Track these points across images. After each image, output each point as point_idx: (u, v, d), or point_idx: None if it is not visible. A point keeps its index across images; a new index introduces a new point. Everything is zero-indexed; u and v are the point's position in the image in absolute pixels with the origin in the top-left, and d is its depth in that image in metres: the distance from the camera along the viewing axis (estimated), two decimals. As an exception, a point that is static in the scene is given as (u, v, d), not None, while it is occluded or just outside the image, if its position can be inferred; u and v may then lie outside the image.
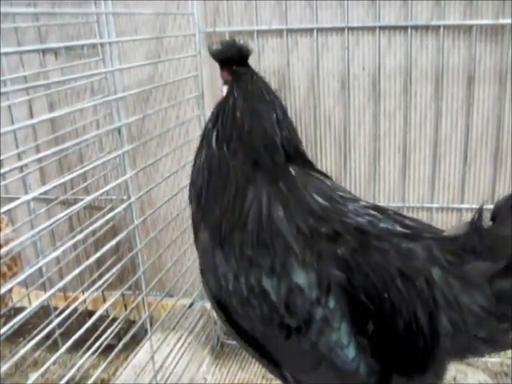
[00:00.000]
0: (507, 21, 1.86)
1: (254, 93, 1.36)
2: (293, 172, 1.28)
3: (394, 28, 1.99)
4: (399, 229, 1.23)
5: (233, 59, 1.40)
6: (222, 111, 1.35)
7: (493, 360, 2.16)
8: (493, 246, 1.13)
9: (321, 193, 1.27)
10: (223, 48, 1.42)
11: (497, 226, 1.14)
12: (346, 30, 1.99)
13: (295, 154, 1.33)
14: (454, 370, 2.09)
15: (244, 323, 1.23)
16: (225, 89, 1.42)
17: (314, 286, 1.15)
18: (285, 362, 1.25)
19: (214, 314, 2.33)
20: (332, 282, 1.16)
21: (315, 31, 2.03)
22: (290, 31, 2.07)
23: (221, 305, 1.26)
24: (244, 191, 1.25)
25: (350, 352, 1.16)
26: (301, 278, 1.15)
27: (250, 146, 1.28)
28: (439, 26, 1.92)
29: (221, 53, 1.43)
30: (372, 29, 2.00)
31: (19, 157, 1.86)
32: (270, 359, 1.26)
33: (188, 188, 1.42)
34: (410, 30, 1.95)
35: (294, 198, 1.23)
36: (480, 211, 1.16)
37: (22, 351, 1.26)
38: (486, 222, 1.16)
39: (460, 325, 1.16)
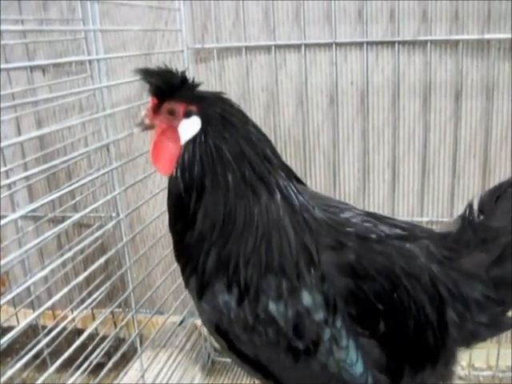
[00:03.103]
0: (492, 36, 1.88)
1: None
2: (291, 186, 1.25)
3: (382, 43, 2.00)
4: (395, 231, 1.28)
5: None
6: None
7: (485, 374, 2.16)
8: (486, 238, 1.22)
9: (318, 204, 1.27)
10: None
11: (487, 218, 1.24)
12: (334, 45, 2.00)
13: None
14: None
15: (247, 349, 1.20)
16: (185, 128, 1.21)
17: (321, 306, 1.15)
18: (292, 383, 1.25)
19: (205, 331, 2.32)
20: (338, 298, 1.16)
21: (303, 47, 2.03)
22: (278, 47, 2.08)
23: (220, 332, 1.22)
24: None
25: (358, 368, 1.17)
26: (308, 300, 1.14)
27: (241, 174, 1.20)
28: (426, 42, 1.94)
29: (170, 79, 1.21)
30: (360, 44, 2.01)
31: (7, 174, 1.85)
32: (275, 381, 1.25)
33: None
34: (397, 46, 1.96)
35: (294, 213, 1.21)
36: (470, 207, 1.25)
37: (10, 372, 1.24)
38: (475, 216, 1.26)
39: (465, 314, 1.22)
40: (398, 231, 1.28)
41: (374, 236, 1.24)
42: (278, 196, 1.20)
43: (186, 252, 1.24)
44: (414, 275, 1.21)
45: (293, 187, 1.23)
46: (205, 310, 1.22)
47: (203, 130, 1.19)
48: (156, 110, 1.23)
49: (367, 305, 1.18)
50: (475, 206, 1.27)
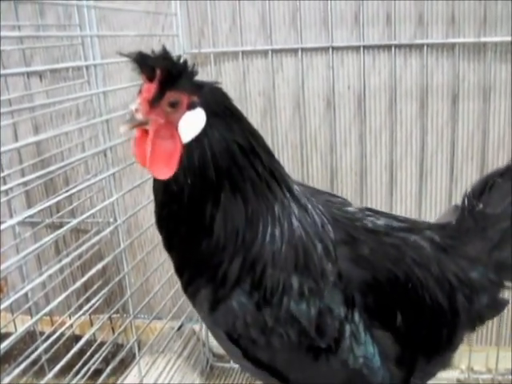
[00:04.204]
0: (489, 39, 1.88)
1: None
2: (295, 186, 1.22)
3: (378, 47, 2.00)
4: (398, 224, 1.30)
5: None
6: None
7: (484, 376, 2.16)
8: (486, 225, 1.28)
9: (322, 200, 1.26)
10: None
11: (485, 207, 1.29)
12: (331, 49, 2.00)
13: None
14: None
15: (263, 354, 1.16)
16: (187, 121, 1.06)
17: (341, 302, 1.14)
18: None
19: (203, 336, 2.31)
20: (355, 292, 1.16)
21: (300, 51, 2.04)
22: (274, 51, 2.08)
23: (232, 340, 1.17)
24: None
25: (376, 362, 1.18)
26: (329, 297, 1.13)
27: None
28: (423, 45, 1.94)
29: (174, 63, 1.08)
30: (356, 48, 2.01)
31: (4, 180, 1.84)
32: None
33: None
34: (393, 49, 1.96)
35: (304, 208, 1.19)
36: (469, 197, 1.31)
37: (8, 378, 1.24)
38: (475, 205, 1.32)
39: (473, 298, 1.26)
40: (401, 224, 1.30)
41: (381, 229, 1.26)
42: (287, 191, 1.17)
43: (197, 262, 1.13)
44: (424, 265, 1.24)
45: (294, 181, 1.22)
46: (217, 319, 1.15)
47: (210, 124, 1.07)
48: (153, 102, 1.06)
49: (385, 297, 1.19)
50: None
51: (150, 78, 1.05)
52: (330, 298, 1.13)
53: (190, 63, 1.10)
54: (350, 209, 1.30)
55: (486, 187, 1.31)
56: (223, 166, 1.07)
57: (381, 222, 1.28)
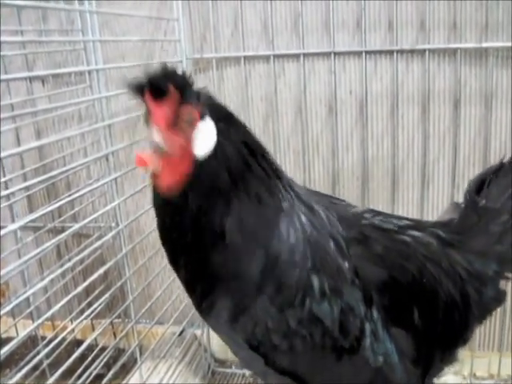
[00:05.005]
0: (490, 44, 1.88)
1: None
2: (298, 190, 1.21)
3: (380, 52, 2.01)
4: (403, 222, 1.32)
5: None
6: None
7: (486, 382, 2.15)
8: (488, 219, 1.31)
9: (324, 200, 1.27)
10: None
11: (487, 202, 1.32)
12: (333, 54, 2.00)
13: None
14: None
15: (284, 359, 1.14)
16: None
17: (360, 300, 1.14)
18: None
19: (205, 341, 2.31)
20: (375, 289, 1.16)
21: (302, 56, 2.04)
22: (276, 57, 2.09)
23: (252, 347, 1.13)
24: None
25: (394, 359, 1.18)
26: (348, 295, 1.13)
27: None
28: (424, 50, 1.94)
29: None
30: (358, 53, 2.01)
31: (6, 185, 1.85)
32: None
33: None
34: (395, 54, 1.97)
35: (310, 210, 1.17)
36: (470, 194, 1.35)
37: (10, 383, 1.24)
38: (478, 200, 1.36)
39: (482, 290, 1.29)
40: (406, 222, 1.32)
41: (389, 227, 1.27)
42: (291, 190, 1.16)
43: (212, 274, 1.08)
44: (434, 260, 1.26)
45: (295, 183, 1.23)
46: (236, 327, 1.11)
47: (219, 131, 1.05)
48: (173, 124, 1.02)
49: (401, 294, 1.20)
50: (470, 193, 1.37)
51: (160, 99, 1.00)
52: (350, 296, 1.12)
53: (186, 71, 1.08)
54: (354, 209, 1.31)
55: (484, 184, 1.35)
56: (237, 170, 1.05)
57: (387, 220, 1.29)
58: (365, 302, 1.14)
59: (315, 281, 1.09)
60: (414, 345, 1.20)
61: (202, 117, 1.04)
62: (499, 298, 1.34)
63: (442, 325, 1.25)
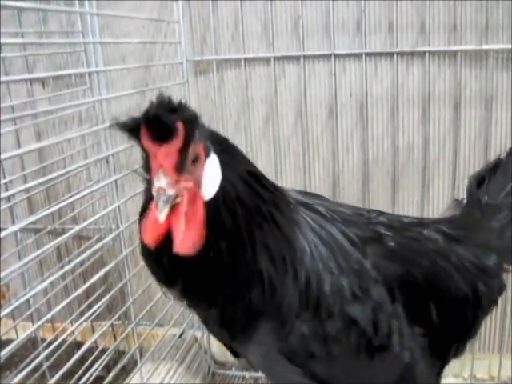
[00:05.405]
0: (490, 46, 1.88)
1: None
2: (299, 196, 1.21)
3: (380, 54, 2.01)
4: (408, 220, 1.34)
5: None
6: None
7: (487, 384, 2.16)
8: (490, 215, 1.35)
9: (326, 203, 1.26)
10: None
11: (488, 198, 1.36)
12: (333, 57, 2.00)
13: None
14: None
15: (318, 367, 1.12)
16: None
17: (386, 297, 1.15)
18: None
19: (205, 343, 2.31)
20: (395, 286, 1.16)
21: (302, 58, 2.04)
22: (277, 59, 2.09)
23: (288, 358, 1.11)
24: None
25: (417, 354, 1.19)
26: (375, 294, 1.13)
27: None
28: (424, 52, 1.94)
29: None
30: (358, 55, 2.01)
31: (6, 187, 1.84)
32: None
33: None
34: (395, 57, 1.97)
35: (317, 215, 1.17)
36: (472, 191, 1.38)
37: (9, 385, 1.24)
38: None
39: (489, 283, 1.31)
40: (410, 219, 1.35)
41: (398, 224, 1.28)
42: (298, 203, 1.16)
43: (250, 308, 1.03)
44: (444, 256, 1.27)
45: (293, 189, 1.24)
46: (280, 347, 1.09)
47: (223, 164, 0.97)
48: (180, 167, 0.89)
49: (419, 290, 1.20)
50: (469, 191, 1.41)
51: (164, 139, 0.86)
52: (377, 294, 1.13)
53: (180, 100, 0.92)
54: (358, 210, 1.31)
55: (482, 181, 1.39)
56: (250, 201, 1.00)
57: (392, 218, 1.30)
58: (390, 297, 1.15)
59: (345, 283, 1.10)
60: (432, 340, 1.21)
61: (207, 153, 0.95)
62: (500, 290, 1.37)
63: (456, 319, 1.27)
